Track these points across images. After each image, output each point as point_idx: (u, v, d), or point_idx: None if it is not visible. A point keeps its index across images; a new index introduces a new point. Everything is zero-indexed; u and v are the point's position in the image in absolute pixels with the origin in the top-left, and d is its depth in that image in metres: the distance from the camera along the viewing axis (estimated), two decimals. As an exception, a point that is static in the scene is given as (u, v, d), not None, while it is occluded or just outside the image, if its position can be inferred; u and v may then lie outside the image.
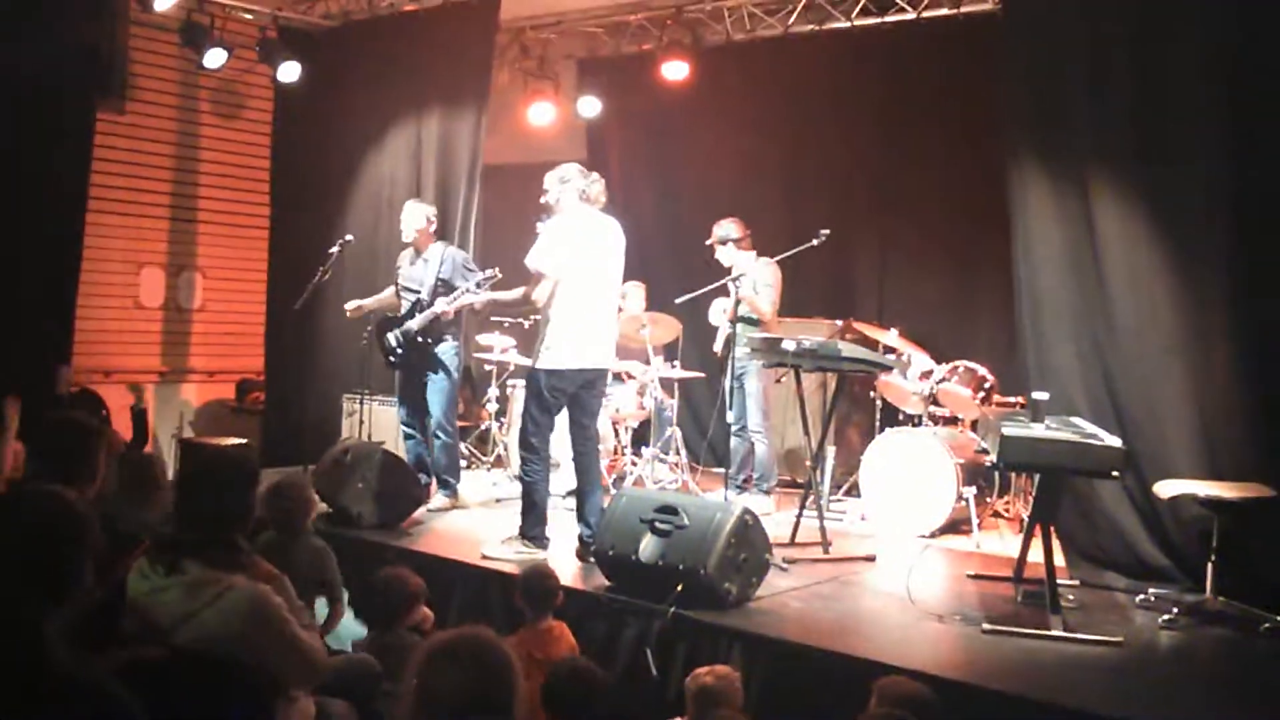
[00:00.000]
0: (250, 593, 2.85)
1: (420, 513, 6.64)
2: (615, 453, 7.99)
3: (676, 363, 8.29)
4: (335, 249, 7.34)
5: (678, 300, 6.82)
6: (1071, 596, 5.21)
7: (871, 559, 6.09)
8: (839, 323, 7.90)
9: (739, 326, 7.22)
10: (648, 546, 4.98)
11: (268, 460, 8.16)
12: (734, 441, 7.45)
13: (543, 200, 5.77)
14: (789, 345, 5.89)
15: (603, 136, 10.08)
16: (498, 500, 7.37)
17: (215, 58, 8.49)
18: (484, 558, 5.69)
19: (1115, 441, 4.64)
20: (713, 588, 4.81)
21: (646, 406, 8.10)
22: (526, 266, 5.66)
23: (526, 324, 8.16)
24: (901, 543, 6.60)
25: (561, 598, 4.55)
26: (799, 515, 6.30)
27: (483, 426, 8.65)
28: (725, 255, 7.23)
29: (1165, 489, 5.13)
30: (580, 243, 5.69)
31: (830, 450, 7.54)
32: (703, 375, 8.21)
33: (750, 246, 7.25)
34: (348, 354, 8.43)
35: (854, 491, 7.48)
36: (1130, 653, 4.60)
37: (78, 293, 7.93)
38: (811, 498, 6.28)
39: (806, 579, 5.58)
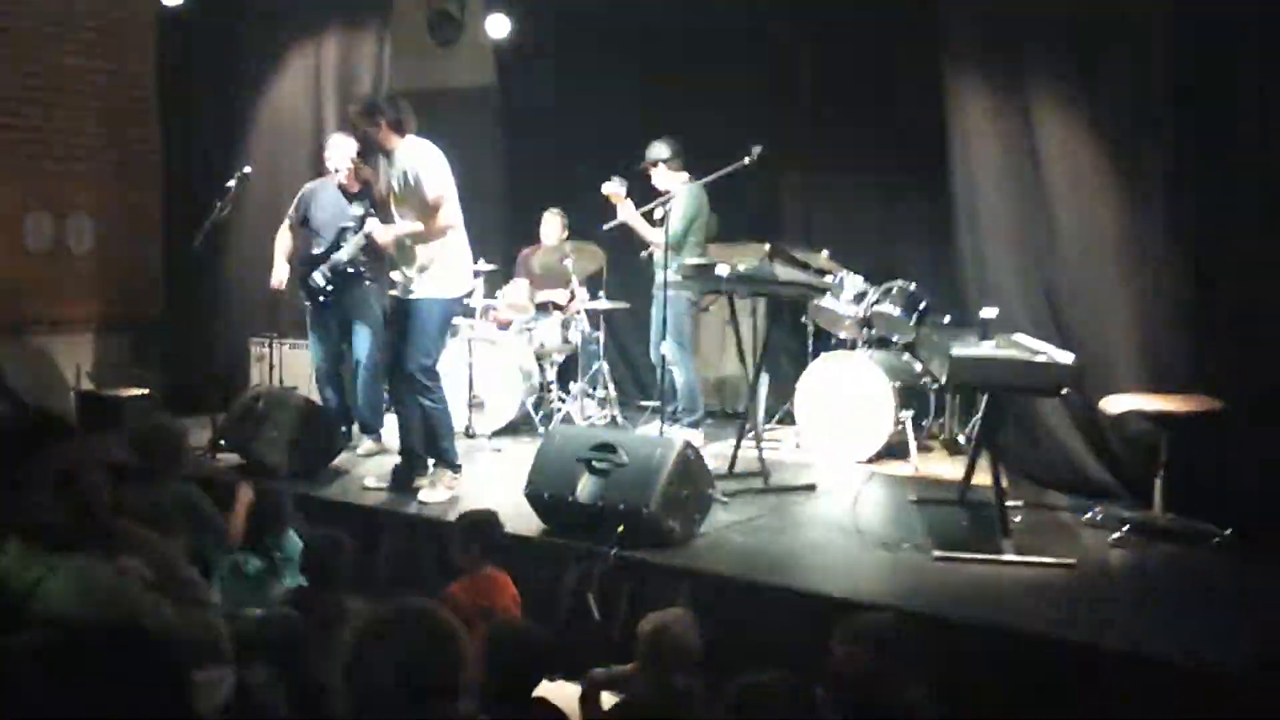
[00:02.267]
0: (79, 579, 2.49)
1: (345, 459, 6.31)
2: (542, 389, 7.72)
3: (601, 294, 8.02)
4: (232, 183, 6.87)
5: (605, 227, 6.51)
6: (1018, 518, 5.09)
7: (812, 488, 5.93)
8: (766, 246, 7.66)
9: (657, 251, 6.95)
10: (585, 487, 4.75)
11: (173, 410, 7.76)
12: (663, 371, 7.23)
13: (361, 135, 5.72)
14: (722, 271, 5.64)
15: (514, 57, 9.65)
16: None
17: (92, -19, 7.87)
18: (422, 504, 5.43)
19: (1066, 357, 4.49)
20: (656, 526, 4.60)
21: (572, 340, 7.83)
22: (428, 198, 5.49)
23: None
24: (840, 470, 6.46)
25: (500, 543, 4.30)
26: (736, 446, 6.11)
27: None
28: (657, 177, 6.93)
29: (1112, 405, 5.02)
30: (446, 167, 5.65)
31: (764, 378, 7.35)
32: (628, 306, 7.94)
33: (681, 168, 6.95)
34: (254, 295, 8.00)
35: (788, 419, 7.32)
36: (1084, 574, 4.49)
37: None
38: (749, 427, 6.07)
39: (748, 512, 5.40)
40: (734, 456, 6.09)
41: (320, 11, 8.10)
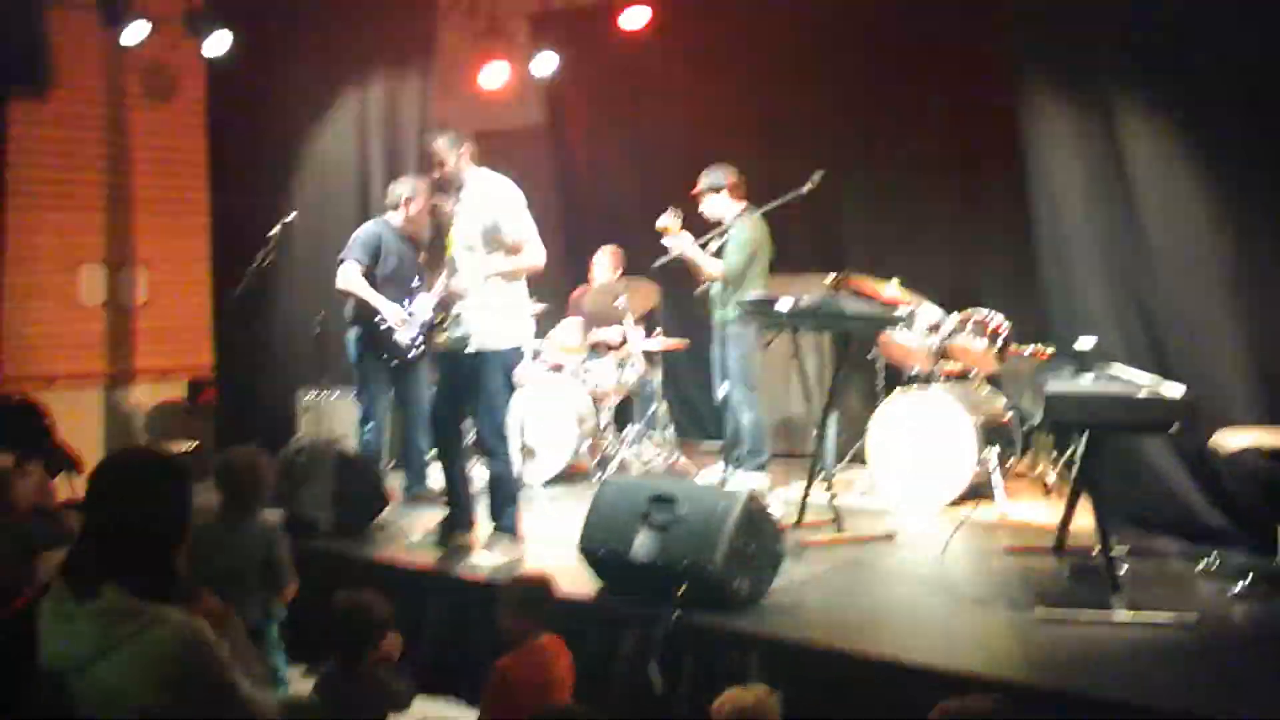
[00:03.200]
0: (181, 631, 2.25)
1: (393, 510, 5.96)
2: (597, 434, 7.35)
3: (658, 331, 7.65)
4: (275, 230, 6.62)
5: (657, 264, 6.12)
6: (1124, 568, 4.59)
7: (891, 537, 5.48)
8: (833, 276, 7.25)
9: (715, 287, 6.57)
10: (643, 543, 4.34)
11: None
12: (725, 416, 6.83)
13: (445, 170, 5.17)
14: (784, 305, 5.24)
15: (562, 96, 9.42)
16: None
17: (136, 32, 7.74)
18: (475, 569, 4.97)
19: (1176, 390, 4.01)
20: (722, 586, 4.18)
21: (627, 381, 7.46)
22: (512, 237, 5.11)
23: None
24: (920, 516, 6.00)
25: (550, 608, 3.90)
26: (806, 492, 5.68)
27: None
28: (712, 205, 6.52)
29: (1228, 440, 4.51)
30: (523, 202, 5.26)
31: (832, 417, 6.92)
32: (686, 343, 7.55)
33: (742, 196, 6.55)
34: (302, 345, 7.77)
35: (859, 460, 6.86)
36: (1206, 633, 3.98)
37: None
38: (819, 471, 5.63)
39: (822, 565, 4.96)
40: (803, 504, 5.66)
41: (365, 54, 7.91)
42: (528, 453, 6.96)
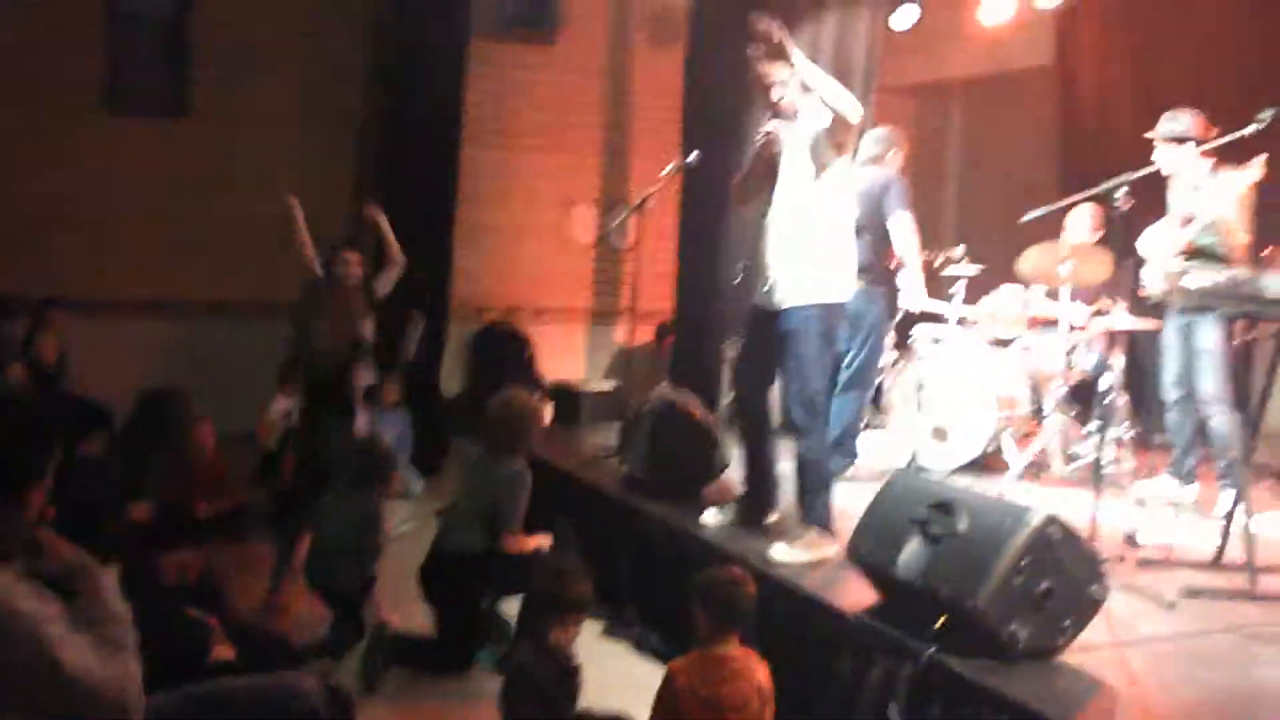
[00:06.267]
0: None
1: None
2: (1027, 423, 6.29)
3: (1122, 305, 6.35)
4: (667, 170, 6.38)
5: (1023, 219, 4.93)
6: None
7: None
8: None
9: (1188, 261, 5.26)
10: (910, 557, 3.51)
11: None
12: (1171, 416, 5.53)
13: (785, 96, 4.42)
14: (1193, 282, 3.99)
15: (1073, 30, 8.20)
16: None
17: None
18: (769, 562, 4.26)
19: None
20: (988, 628, 3.26)
21: (1080, 365, 6.29)
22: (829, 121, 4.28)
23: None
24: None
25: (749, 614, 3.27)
26: (1226, 526, 4.36)
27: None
28: (1171, 157, 5.27)
29: None
30: None
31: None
32: (1157, 324, 6.18)
33: (1213, 154, 5.24)
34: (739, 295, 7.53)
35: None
36: None
37: (452, 228, 7.81)
38: (1241, 501, 4.29)
39: (1197, 624, 3.75)
40: (1224, 540, 4.36)
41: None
42: (939, 435, 6.14)
